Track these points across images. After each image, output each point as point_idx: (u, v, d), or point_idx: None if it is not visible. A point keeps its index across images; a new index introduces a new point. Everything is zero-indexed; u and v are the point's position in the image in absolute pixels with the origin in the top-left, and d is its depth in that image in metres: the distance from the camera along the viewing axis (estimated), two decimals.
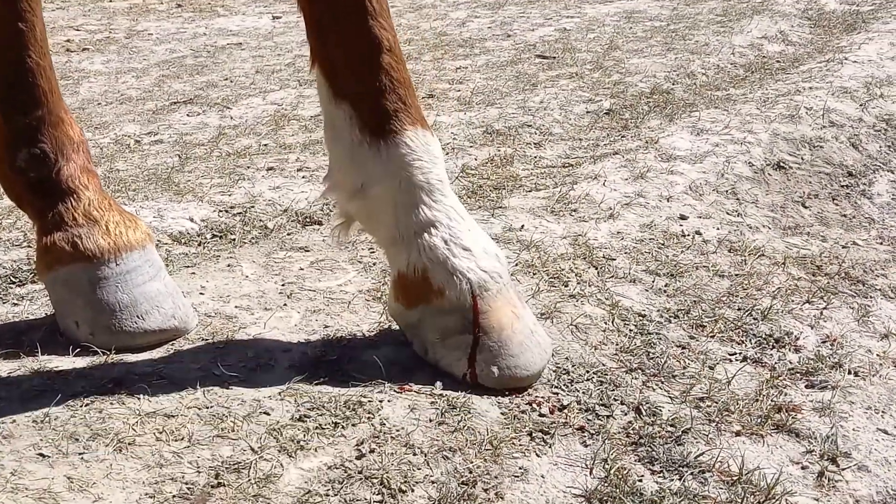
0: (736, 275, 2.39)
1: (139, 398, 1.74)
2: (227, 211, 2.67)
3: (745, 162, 2.96)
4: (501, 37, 4.79)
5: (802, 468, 1.78)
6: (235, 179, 2.87)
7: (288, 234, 2.51)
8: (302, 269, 2.26)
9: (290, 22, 5.37)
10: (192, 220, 2.61)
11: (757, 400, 1.93)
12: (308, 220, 2.61)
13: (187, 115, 3.62)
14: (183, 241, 2.51)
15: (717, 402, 1.89)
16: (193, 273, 2.22)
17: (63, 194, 1.94)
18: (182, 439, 1.65)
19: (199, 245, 2.49)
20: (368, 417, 1.73)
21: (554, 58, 4.24)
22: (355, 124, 1.83)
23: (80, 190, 1.95)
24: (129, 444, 1.62)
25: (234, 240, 2.51)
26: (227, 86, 4.04)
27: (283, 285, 2.17)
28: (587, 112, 3.49)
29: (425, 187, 1.85)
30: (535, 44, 4.57)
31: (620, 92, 3.65)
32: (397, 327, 2.01)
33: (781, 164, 3.01)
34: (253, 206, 2.70)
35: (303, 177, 2.88)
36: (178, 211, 2.65)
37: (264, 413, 1.72)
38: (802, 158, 3.07)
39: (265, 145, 3.21)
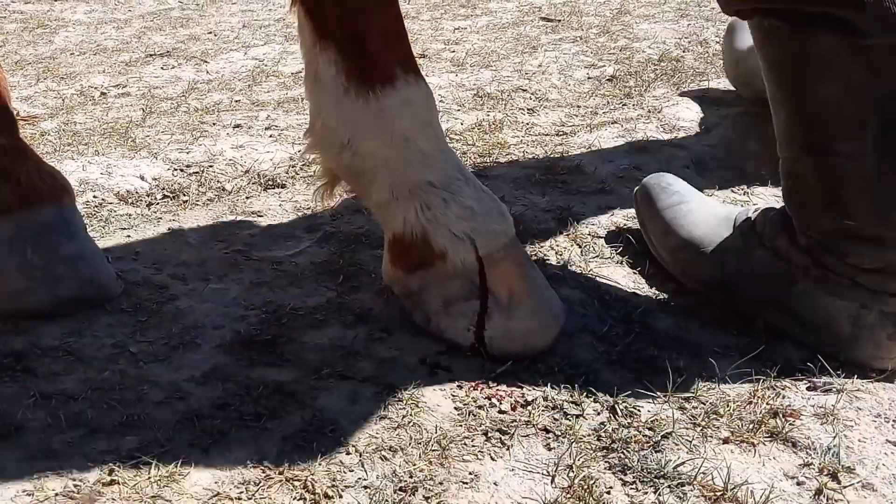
0: None
1: (37, 376, 1.52)
2: (182, 170, 2.43)
3: (755, 137, 2.70)
4: None
5: (798, 484, 1.54)
6: (197, 136, 2.63)
7: (246, 198, 2.28)
8: (252, 235, 2.03)
9: None
10: (142, 178, 2.38)
11: (750, 402, 1.69)
12: (270, 182, 2.38)
13: (161, 67, 3.38)
14: (130, 200, 2.28)
15: (704, 404, 1.66)
16: (129, 236, 2.00)
17: None
18: (79, 426, 1.42)
19: (148, 206, 2.27)
20: (299, 408, 1.51)
21: (559, 20, 3.98)
22: (341, 71, 1.59)
23: None
24: (17, 430, 1.40)
25: (186, 202, 2.28)
26: (210, 39, 3.80)
27: (226, 253, 1.95)
28: (588, 78, 3.24)
29: (420, 142, 1.63)
30: (541, 6, 4.31)
31: (626, 58, 3.39)
32: (348, 306, 1.79)
33: None
34: (212, 166, 2.46)
35: (270, 136, 2.64)
36: (129, 168, 2.41)
37: (179, 399, 1.50)
38: None
39: (237, 101, 2.97)
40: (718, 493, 1.47)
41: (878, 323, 1.73)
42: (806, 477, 1.55)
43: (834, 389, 1.76)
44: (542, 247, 2.05)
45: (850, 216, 1.68)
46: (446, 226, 1.65)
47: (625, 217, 2.22)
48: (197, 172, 2.42)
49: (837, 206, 1.69)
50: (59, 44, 3.80)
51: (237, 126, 2.73)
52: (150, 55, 3.55)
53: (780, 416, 1.66)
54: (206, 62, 3.43)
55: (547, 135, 2.74)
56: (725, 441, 1.59)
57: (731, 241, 1.90)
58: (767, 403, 1.69)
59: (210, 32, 3.93)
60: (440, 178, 1.66)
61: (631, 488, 1.47)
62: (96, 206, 2.23)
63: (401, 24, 1.64)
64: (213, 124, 2.75)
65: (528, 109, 2.92)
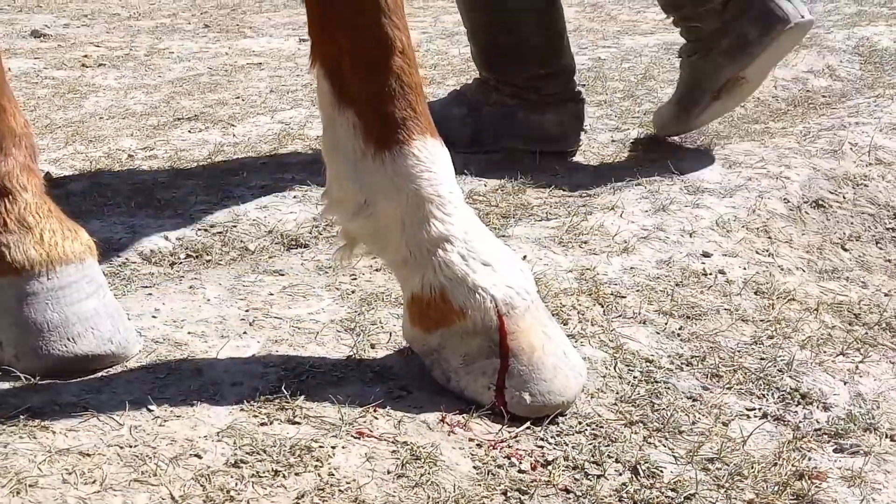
0: (761, 320, 2.12)
1: (54, 432, 1.51)
2: (206, 230, 2.44)
3: (780, 198, 2.69)
4: None
5: None
6: (221, 197, 2.65)
7: (269, 258, 2.28)
8: (271, 294, 2.02)
9: None
10: (166, 238, 2.39)
11: (775, 464, 1.66)
12: (293, 242, 2.39)
13: (188, 131, 3.42)
14: (153, 260, 2.29)
15: (728, 465, 1.63)
16: (150, 294, 2.00)
17: None
18: (93, 482, 1.41)
19: (171, 266, 2.27)
20: (316, 466, 1.49)
21: (584, 85, 3.99)
22: (359, 133, 1.63)
23: (17, 191, 1.73)
24: (30, 486, 1.39)
25: (209, 261, 2.29)
26: (238, 104, 3.84)
27: (246, 311, 1.94)
28: (612, 141, 3.24)
29: (436, 200, 1.64)
30: None
31: (650, 121, 3.39)
32: (367, 364, 1.78)
33: (821, 202, 2.74)
34: (235, 226, 2.47)
35: (294, 196, 2.65)
36: (154, 228, 2.43)
37: (195, 456, 1.48)
38: (844, 197, 2.80)
39: (263, 164, 2.99)
40: None
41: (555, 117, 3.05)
42: None
43: (861, 451, 1.73)
44: (564, 305, 2.03)
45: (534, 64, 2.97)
46: (465, 283, 1.65)
47: (648, 277, 2.21)
48: (221, 232, 2.43)
49: (523, 58, 2.95)
50: (89, 108, 3.85)
51: (262, 187, 2.74)
52: (178, 119, 3.59)
53: (807, 478, 1.63)
54: (233, 125, 3.46)
55: (570, 196, 2.73)
56: (750, 503, 1.55)
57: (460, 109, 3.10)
58: (793, 465, 1.66)
59: (238, 97, 3.98)
60: (458, 236, 1.66)
61: None
62: (119, 266, 2.24)
63: (419, 87, 1.66)
64: (238, 185, 2.76)
65: (551, 171, 2.92)
